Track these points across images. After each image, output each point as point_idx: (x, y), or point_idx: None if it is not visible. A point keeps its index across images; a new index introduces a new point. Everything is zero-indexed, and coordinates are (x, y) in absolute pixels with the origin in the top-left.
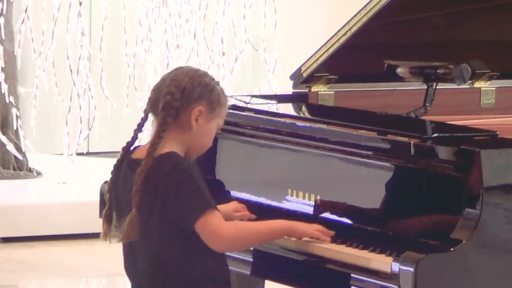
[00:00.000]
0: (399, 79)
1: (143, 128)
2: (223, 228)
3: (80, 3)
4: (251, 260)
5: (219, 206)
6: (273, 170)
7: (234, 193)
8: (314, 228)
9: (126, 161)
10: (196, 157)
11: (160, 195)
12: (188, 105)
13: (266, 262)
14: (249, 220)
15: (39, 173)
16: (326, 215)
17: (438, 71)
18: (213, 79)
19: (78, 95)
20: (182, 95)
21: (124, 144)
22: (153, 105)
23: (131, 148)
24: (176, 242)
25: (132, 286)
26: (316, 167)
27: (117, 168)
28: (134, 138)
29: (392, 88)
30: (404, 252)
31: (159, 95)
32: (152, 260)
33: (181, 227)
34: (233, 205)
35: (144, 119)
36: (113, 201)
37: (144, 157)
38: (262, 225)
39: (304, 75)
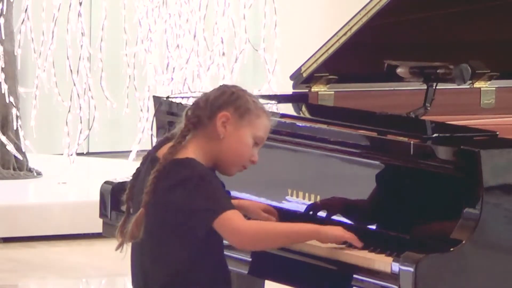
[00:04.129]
0: (399, 79)
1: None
2: (244, 224)
3: (80, 3)
4: (250, 259)
5: (246, 201)
6: (273, 170)
7: (234, 193)
8: (345, 232)
9: (150, 158)
10: (236, 170)
11: (174, 200)
12: (212, 112)
13: (265, 262)
14: None
15: (39, 173)
16: (326, 215)
17: (438, 71)
18: (243, 90)
19: (78, 95)
20: (206, 104)
21: (124, 146)
22: None
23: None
24: (180, 244)
25: (133, 285)
26: (316, 167)
27: (135, 177)
28: (157, 147)
29: (392, 88)
30: (404, 252)
31: None
32: (156, 260)
33: (189, 231)
34: (262, 205)
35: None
36: (133, 199)
37: (161, 159)
38: (286, 226)
39: (304, 75)
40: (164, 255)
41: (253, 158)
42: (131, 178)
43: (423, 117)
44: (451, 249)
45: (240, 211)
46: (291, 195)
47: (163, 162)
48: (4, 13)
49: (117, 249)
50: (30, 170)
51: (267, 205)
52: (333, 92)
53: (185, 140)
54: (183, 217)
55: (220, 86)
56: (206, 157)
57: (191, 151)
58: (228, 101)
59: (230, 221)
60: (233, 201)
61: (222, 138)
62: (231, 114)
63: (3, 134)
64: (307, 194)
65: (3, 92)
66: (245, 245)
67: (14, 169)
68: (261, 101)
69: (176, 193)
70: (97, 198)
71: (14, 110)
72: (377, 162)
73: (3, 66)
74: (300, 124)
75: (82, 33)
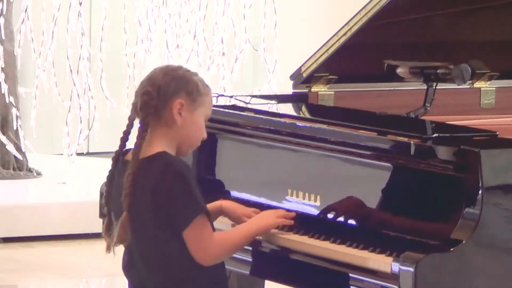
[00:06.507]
0: (399, 79)
1: (129, 136)
2: (210, 246)
3: (80, 3)
4: (250, 260)
5: (236, 206)
6: (273, 170)
7: (234, 193)
8: (276, 216)
9: (121, 162)
10: (192, 150)
11: (152, 197)
12: (166, 101)
13: (265, 262)
14: None
15: (39, 173)
16: (326, 215)
17: (438, 71)
18: (188, 70)
19: (78, 95)
20: (158, 93)
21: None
22: (135, 109)
23: (123, 150)
24: (172, 242)
25: (129, 286)
26: (316, 167)
27: (109, 180)
28: (122, 146)
29: (392, 88)
30: (404, 252)
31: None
32: (149, 260)
33: (174, 228)
34: (247, 210)
35: (129, 126)
36: (111, 204)
37: (131, 159)
38: (240, 234)
39: (304, 75)
40: (155, 256)
41: (205, 136)
42: (106, 181)
43: (423, 117)
44: (451, 249)
45: (223, 214)
46: (291, 195)
47: (135, 162)
48: (4, 13)
49: (106, 251)
50: (30, 170)
51: (250, 211)
52: (333, 92)
53: (147, 133)
54: (164, 216)
55: (163, 68)
56: (171, 145)
57: (158, 145)
58: (180, 86)
59: (197, 240)
60: (213, 204)
61: (179, 125)
62: (184, 100)
63: (3, 134)
64: (307, 194)
65: (3, 92)
66: (208, 263)
67: (14, 169)
68: (261, 101)
69: (153, 191)
70: (97, 198)
71: (14, 110)
72: (377, 162)
73: (3, 66)
74: (300, 124)
75: (82, 33)
